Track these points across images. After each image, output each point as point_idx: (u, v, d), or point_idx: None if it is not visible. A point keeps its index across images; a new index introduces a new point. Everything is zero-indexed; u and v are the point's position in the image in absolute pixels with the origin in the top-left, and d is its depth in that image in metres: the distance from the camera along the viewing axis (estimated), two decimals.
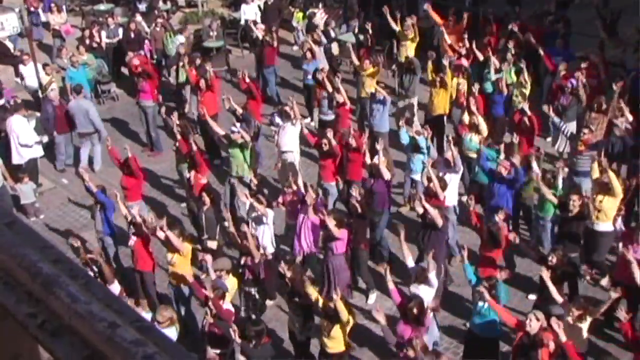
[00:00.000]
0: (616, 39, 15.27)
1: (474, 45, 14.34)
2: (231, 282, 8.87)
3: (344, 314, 7.94)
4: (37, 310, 1.38)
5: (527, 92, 13.16)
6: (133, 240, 9.70)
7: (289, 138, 12.13)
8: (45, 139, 13.08)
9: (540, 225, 10.44)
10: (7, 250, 1.46)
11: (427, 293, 8.55)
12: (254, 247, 9.23)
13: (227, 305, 8.40)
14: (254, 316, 8.89)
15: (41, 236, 1.58)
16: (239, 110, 12.30)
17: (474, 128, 11.69)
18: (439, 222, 9.28)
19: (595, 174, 10.25)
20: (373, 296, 10.23)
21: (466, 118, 11.98)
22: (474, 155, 11.54)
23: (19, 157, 12.79)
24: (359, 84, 14.38)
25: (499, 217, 9.21)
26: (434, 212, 9.22)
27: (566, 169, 10.82)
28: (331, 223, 9.23)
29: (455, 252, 10.65)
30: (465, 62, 13.95)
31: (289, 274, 8.52)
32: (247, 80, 13.46)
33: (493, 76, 13.49)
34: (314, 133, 11.86)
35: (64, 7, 19.14)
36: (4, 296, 1.42)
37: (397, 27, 15.32)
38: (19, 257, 1.44)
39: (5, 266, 1.45)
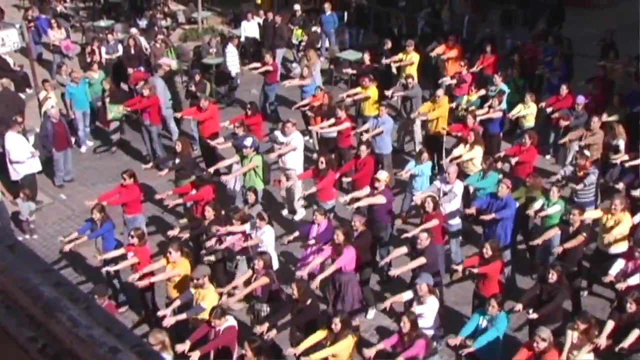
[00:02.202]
0: (615, 60, 15.36)
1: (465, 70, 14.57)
2: (211, 294, 8.80)
3: (347, 333, 7.96)
4: (38, 334, 1.38)
5: (532, 112, 13.24)
6: (131, 255, 9.68)
7: (291, 157, 12.18)
8: (38, 153, 13.04)
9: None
10: (9, 273, 1.46)
11: (430, 307, 8.60)
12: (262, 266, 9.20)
13: (230, 321, 8.37)
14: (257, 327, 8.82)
15: (42, 259, 1.59)
16: (238, 133, 12.33)
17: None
18: (425, 243, 9.20)
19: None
20: (372, 312, 10.22)
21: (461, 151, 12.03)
22: (473, 168, 11.62)
23: (15, 173, 12.80)
24: (359, 101, 14.43)
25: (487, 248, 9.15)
26: (424, 237, 9.22)
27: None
28: (340, 238, 9.24)
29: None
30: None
31: (296, 293, 8.51)
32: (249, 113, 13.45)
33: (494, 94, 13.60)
34: (306, 170, 11.99)
35: (68, 27, 19.19)
36: (5, 320, 1.42)
37: (395, 65, 15.45)
38: (21, 280, 1.44)
39: (6, 289, 1.46)
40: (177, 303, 8.86)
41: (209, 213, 10.20)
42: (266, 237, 9.90)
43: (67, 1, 21.42)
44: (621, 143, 12.05)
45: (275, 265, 10.03)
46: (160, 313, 8.83)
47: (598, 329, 8.18)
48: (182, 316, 8.70)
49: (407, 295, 8.84)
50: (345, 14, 19.42)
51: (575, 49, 16.34)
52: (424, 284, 8.56)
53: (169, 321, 8.56)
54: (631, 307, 8.24)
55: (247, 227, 10.09)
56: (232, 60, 17.17)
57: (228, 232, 10.16)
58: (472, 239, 11.52)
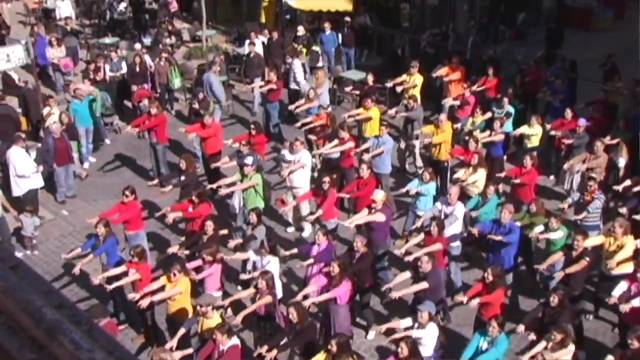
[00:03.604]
0: (616, 86, 15.41)
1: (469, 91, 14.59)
2: (216, 323, 8.59)
3: (346, 357, 7.90)
4: (40, 357, 1.38)
5: (537, 134, 13.25)
6: (132, 272, 9.66)
7: (298, 176, 12.19)
8: (41, 168, 13.07)
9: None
10: (12, 294, 1.47)
11: (430, 333, 8.51)
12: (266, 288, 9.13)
13: (234, 340, 8.32)
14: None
15: (45, 280, 1.59)
16: (244, 151, 12.35)
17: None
18: (427, 267, 9.14)
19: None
20: (372, 333, 10.15)
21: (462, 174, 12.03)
22: (476, 190, 11.60)
23: (17, 188, 12.81)
24: (360, 122, 14.44)
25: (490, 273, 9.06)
26: (425, 260, 9.15)
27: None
28: (335, 270, 9.11)
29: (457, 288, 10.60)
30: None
31: (295, 317, 8.46)
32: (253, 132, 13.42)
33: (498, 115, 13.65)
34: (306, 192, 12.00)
35: (77, 45, 19.29)
36: (8, 341, 1.42)
37: (399, 88, 15.45)
38: (24, 302, 1.44)
39: (9, 311, 1.46)
40: (182, 331, 8.71)
41: (209, 228, 10.16)
42: (271, 267, 9.72)
43: (72, 18, 21.48)
44: (621, 161, 12.08)
45: (279, 294, 9.84)
46: (167, 346, 8.62)
47: (573, 340, 8.14)
48: (189, 351, 8.58)
49: (406, 322, 8.77)
50: (339, 35, 19.38)
51: (578, 72, 16.40)
52: (426, 312, 8.47)
53: (176, 355, 8.34)
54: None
55: (251, 254, 10.04)
56: (300, 75, 16.79)
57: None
58: (473, 262, 11.48)
